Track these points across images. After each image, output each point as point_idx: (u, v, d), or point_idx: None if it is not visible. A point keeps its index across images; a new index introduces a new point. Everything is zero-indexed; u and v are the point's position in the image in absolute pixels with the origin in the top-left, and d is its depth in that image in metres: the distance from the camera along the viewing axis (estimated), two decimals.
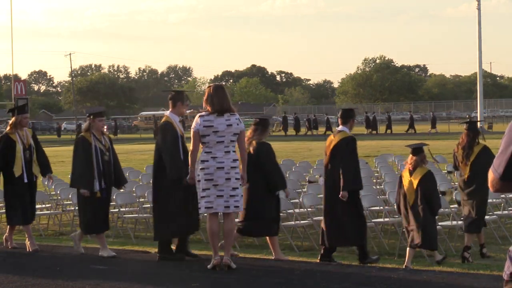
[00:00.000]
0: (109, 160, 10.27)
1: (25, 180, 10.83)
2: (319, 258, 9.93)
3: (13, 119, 10.98)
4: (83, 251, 10.37)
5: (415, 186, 10.00)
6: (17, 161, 10.77)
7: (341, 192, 9.69)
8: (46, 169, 11.16)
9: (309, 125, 64.19)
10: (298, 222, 11.95)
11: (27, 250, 10.74)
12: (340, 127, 9.98)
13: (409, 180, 10.10)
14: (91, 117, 10.32)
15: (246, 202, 9.65)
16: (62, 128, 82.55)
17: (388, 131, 60.65)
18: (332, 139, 9.95)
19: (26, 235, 11.01)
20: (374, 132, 60.58)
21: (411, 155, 10.24)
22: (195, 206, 9.30)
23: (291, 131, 64.33)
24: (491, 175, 3.37)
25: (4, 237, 11.23)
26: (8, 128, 11.02)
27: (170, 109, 9.77)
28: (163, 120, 9.74)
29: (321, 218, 12.64)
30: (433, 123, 60.41)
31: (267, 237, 9.96)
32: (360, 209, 10.04)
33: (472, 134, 10.87)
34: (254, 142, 9.75)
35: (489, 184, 3.40)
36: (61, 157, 32.35)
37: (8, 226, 11.22)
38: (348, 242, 10.14)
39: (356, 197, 9.90)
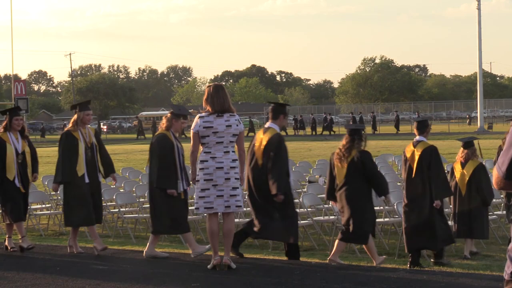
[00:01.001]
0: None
1: (86, 181, 10.33)
2: (408, 265, 9.78)
3: (75, 116, 10.45)
4: (166, 255, 10.00)
5: (467, 178, 10.71)
6: (79, 160, 10.29)
7: (435, 201, 9.82)
8: (109, 169, 10.69)
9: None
10: (298, 222, 11.93)
11: (95, 252, 10.38)
12: (418, 137, 10.14)
13: (461, 172, 10.81)
14: (181, 118, 10.02)
15: (348, 209, 9.64)
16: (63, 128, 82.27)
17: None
18: (414, 150, 10.07)
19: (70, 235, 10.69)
20: None
21: (462, 149, 10.95)
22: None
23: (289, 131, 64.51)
24: (495, 174, 3.38)
25: (68, 243, 10.69)
26: (70, 125, 10.48)
27: (271, 120, 9.66)
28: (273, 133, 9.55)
29: (321, 218, 12.65)
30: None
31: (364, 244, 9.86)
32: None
33: None
34: (354, 151, 9.65)
35: (494, 182, 3.42)
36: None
37: (71, 229, 10.67)
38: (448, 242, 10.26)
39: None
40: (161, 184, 9.79)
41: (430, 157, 9.91)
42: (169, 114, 10.01)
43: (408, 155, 10.08)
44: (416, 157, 9.98)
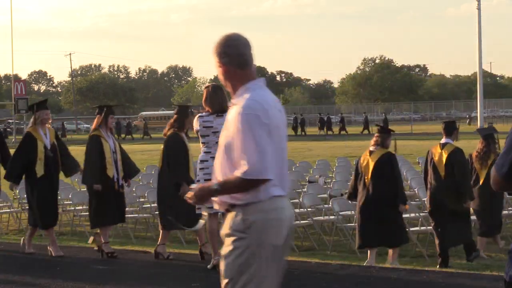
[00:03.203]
0: None
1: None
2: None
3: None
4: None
5: None
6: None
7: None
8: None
9: None
10: (298, 222, 11.93)
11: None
12: None
13: None
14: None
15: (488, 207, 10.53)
16: None
17: (343, 132, 61.14)
18: None
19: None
20: (330, 132, 61.08)
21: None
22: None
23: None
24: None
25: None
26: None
27: (446, 136, 10.20)
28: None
29: (321, 218, 12.64)
30: (385, 123, 61.11)
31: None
32: None
33: None
34: (493, 155, 10.54)
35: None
36: None
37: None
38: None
39: None
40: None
41: None
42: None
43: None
44: None
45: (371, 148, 9.90)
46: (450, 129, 10.29)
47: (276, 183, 4.07)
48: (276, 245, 4.08)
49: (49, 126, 10.63)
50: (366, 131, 59.85)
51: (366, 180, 9.73)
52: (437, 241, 9.99)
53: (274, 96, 4.31)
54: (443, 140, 10.20)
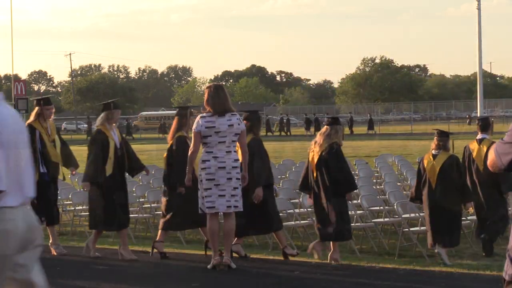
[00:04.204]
0: None
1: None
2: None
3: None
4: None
5: None
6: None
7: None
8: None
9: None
10: (298, 222, 11.95)
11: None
12: None
13: None
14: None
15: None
16: (62, 128, 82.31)
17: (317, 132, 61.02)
18: None
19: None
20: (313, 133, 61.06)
21: None
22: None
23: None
24: (493, 159, 3.40)
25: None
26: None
27: (482, 132, 10.76)
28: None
29: None
30: (370, 124, 61.24)
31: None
32: None
33: None
34: None
35: (489, 164, 3.44)
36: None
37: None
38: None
39: None
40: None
41: None
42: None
43: None
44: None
45: (434, 152, 10.14)
46: (486, 125, 10.89)
47: (11, 193, 4.20)
48: (3, 255, 4.22)
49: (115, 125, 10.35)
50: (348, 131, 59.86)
51: (431, 183, 9.96)
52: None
53: (12, 109, 4.39)
54: (480, 136, 10.76)
